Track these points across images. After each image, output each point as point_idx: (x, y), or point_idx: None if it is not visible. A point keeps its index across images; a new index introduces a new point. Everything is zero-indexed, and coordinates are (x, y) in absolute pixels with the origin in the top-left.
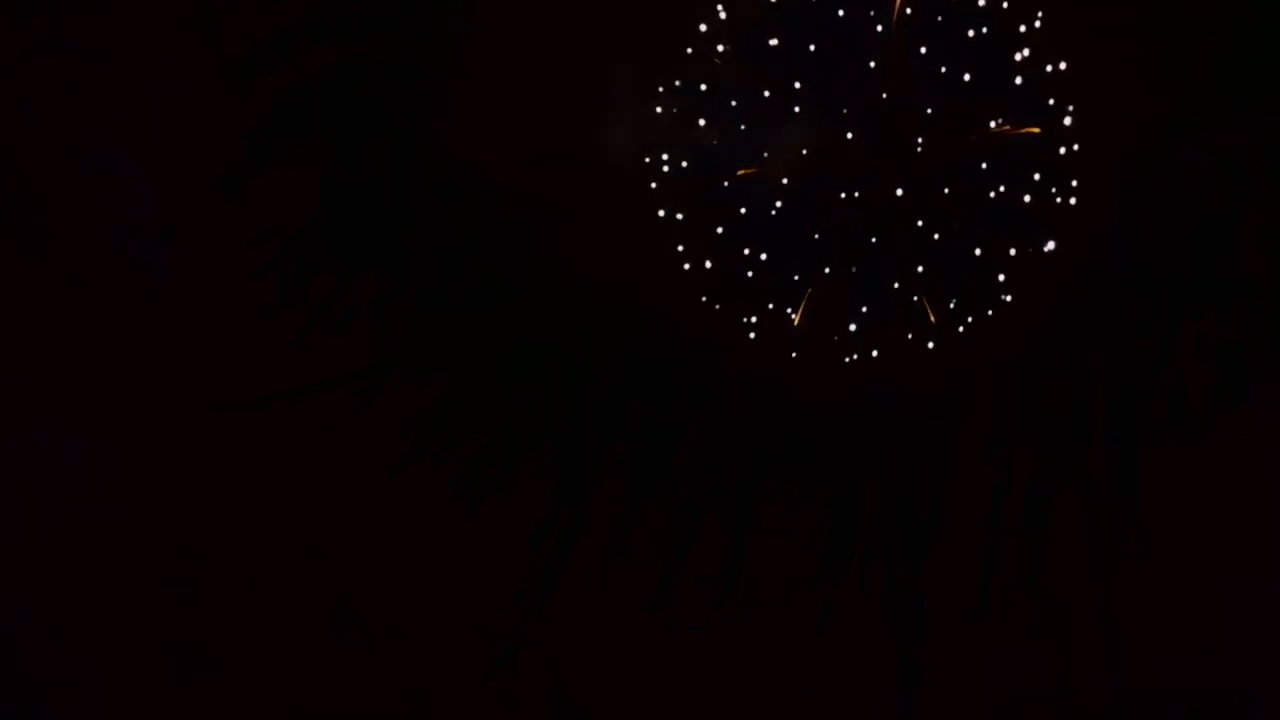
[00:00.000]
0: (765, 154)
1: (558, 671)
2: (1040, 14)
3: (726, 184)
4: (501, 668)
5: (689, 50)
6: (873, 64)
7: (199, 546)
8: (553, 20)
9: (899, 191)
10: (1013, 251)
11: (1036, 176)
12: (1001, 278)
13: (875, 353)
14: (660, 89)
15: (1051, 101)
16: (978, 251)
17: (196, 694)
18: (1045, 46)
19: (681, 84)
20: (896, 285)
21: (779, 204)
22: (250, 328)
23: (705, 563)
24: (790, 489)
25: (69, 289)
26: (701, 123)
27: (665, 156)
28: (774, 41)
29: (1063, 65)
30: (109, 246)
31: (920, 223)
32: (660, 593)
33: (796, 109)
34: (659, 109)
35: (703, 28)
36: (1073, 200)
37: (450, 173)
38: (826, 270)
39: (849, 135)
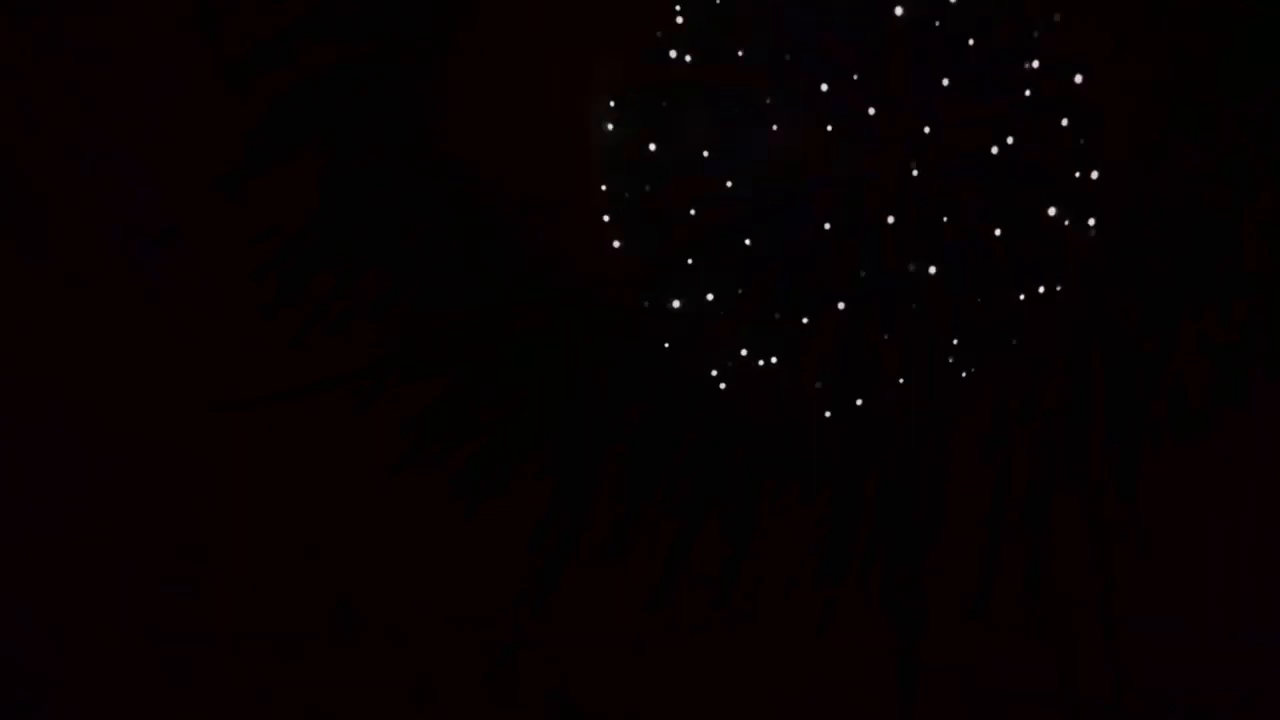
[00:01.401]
0: (732, 181)
1: (558, 671)
2: (1047, 16)
3: (692, 212)
4: (501, 668)
5: (648, 59)
6: (857, 76)
7: (199, 546)
8: (555, 20)
9: (890, 220)
10: (1022, 296)
11: (1052, 211)
12: (1010, 315)
13: (860, 402)
14: (614, 103)
15: (1065, 120)
16: (982, 296)
17: (196, 693)
18: (1056, 53)
19: (640, 95)
20: (888, 329)
21: (751, 236)
22: (250, 328)
23: (705, 563)
24: (790, 489)
25: (69, 289)
26: (654, 146)
27: (619, 181)
28: (741, 53)
29: (1077, 78)
30: (109, 246)
31: (913, 264)
32: (660, 593)
33: (772, 126)
34: (611, 126)
35: (660, 34)
36: (1092, 231)
37: (450, 173)
38: (807, 315)
39: (832, 157)
